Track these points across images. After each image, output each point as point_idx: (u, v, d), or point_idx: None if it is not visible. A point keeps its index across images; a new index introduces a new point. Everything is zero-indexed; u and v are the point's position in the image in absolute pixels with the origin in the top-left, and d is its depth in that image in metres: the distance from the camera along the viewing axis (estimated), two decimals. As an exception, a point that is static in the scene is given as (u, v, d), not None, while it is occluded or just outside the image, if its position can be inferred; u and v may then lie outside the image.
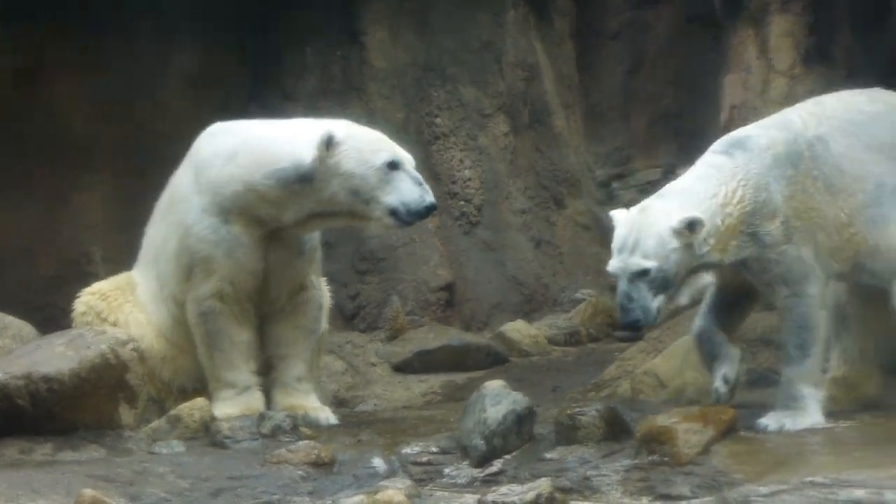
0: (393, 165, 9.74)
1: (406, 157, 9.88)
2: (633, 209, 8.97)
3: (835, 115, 9.37)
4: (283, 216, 9.91)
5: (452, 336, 14.22)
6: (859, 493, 7.43)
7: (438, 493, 8.19)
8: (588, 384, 11.78)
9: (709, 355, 9.47)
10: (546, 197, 16.28)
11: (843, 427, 9.17)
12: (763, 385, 11.19)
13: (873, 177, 9.25)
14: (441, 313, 14.85)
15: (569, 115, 16.97)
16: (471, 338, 14.32)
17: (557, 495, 7.36)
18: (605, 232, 16.60)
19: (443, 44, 15.77)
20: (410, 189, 9.72)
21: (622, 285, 8.79)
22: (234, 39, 15.58)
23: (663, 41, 25.64)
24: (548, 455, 8.72)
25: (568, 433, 8.85)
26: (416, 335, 14.27)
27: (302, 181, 9.77)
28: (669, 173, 24.61)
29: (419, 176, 9.90)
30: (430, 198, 9.76)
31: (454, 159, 15.63)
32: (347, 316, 14.66)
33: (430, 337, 14.14)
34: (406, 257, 14.96)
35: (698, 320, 9.52)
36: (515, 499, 7.37)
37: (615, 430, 8.85)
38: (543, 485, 7.40)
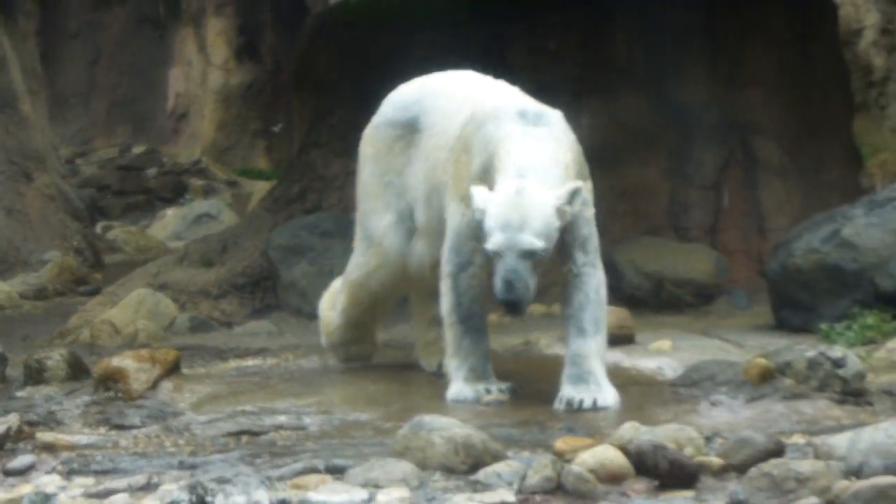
0: None
1: None
2: (504, 189, 7.35)
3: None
4: None
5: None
6: (282, 418, 7.48)
7: None
8: (54, 332, 11.49)
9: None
10: (16, 171, 15.76)
11: (269, 365, 9.28)
12: (203, 330, 11.26)
13: None
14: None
15: (35, 102, 16.47)
16: (-59, 295, 13.73)
17: (25, 428, 7.11)
18: (69, 202, 16.27)
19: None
20: None
21: (509, 262, 7.21)
22: None
23: (118, 38, 25.52)
24: (18, 394, 8.45)
25: (35, 375, 8.61)
26: None
27: None
28: (126, 151, 24.43)
29: None
30: None
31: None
32: None
33: None
34: None
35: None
36: (-16, 433, 7.08)
37: (76, 371, 8.67)
38: (13, 419, 7.14)
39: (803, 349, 7.56)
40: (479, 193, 7.39)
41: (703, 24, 12.08)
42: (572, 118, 7.82)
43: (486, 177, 7.55)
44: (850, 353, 7.55)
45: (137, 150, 24.50)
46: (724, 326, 10.12)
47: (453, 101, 8.17)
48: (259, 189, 20.62)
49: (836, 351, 7.50)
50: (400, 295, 8.94)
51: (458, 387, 7.77)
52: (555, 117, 7.71)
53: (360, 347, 8.98)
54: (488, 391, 7.75)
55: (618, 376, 7.92)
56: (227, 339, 10.74)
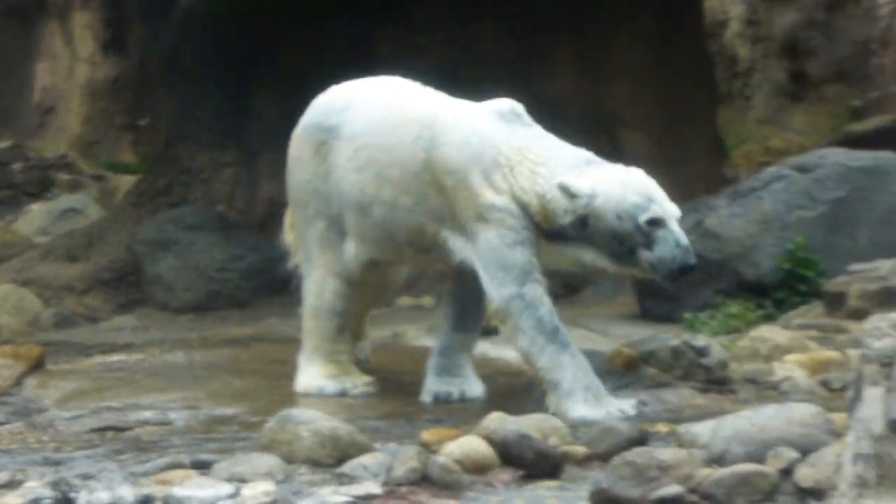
0: None
1: None
2: (609, 172, 7.20)
3: None
4: None
5: None
6: (147, 414, 7.44)
7: None
8: None
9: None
10: None
11: (134, 360, 9.19)
12: (67, 325, 11.10)
13: None
14: None
15: None
16: None
17: None
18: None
19: None
20: None
21: (675, 227, 7.08)
22: None
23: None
24: None
25: None
26: None
27: None
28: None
29: None
30: None
31: None
32: None
33: None
34: None
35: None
36: None
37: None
38: None
39: (667, 338, 7.64)
40: (577, 182, 7.05)
41: (570, 17, 12.17)
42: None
43: (505, 178, 7.23)
44: (714, 342, 7.65)
45: (2, 144, 24.11)
46: (590, 316, 10.20)
47: (391, 114, 7.74)
48: (126, 183, 20.36)
49: (700, 340, 7.60)
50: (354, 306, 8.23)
51: (579, 410, 6.97)
52: (519, 108, 7.50)
53: (352, 380, 8.01)
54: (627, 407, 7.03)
55: (484, 367, 7.95)
56: (92, 335, 10.63)
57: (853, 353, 7.15)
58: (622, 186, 7.06)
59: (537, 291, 7.15)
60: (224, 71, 12.26)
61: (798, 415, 5.47)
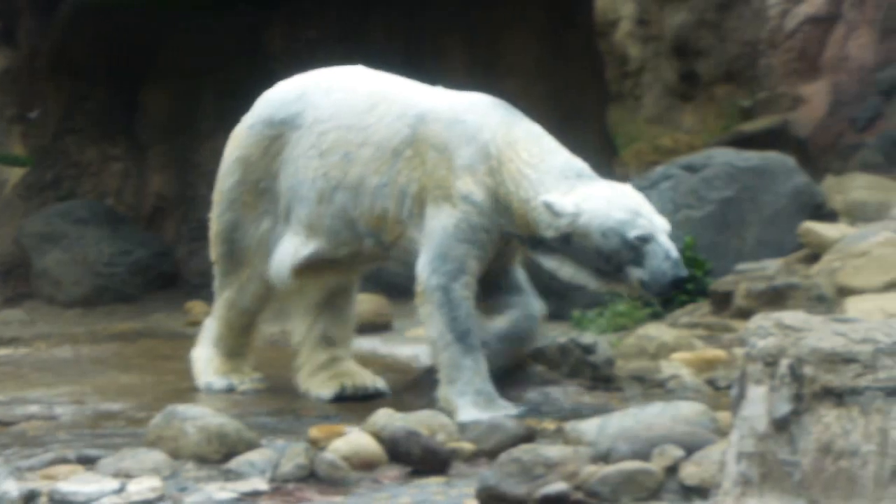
0: None
1: None
2: (598, 189, 7.01)
3: None
4: None
5: None
6: (33, 408, 7.37)
7: None
8: None
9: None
10: None
11: (21, 354, 9.10)
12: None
13: None
14: None
15: None
16: None
17: None
18: None
19: None
20: None
21: (666, 240, 6.84)
22: None
23: None
24: None
25: None
26: None
27: None
28: None
29: None
30: None
31: None
32: None
33: None
34: None
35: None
36: None
37: None
38: None
39: (554, 336, 7.66)
40: (561, 200, 6.86)
41: (461, 13, 12.18)
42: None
43: (491, 173, 7.03)
44: (601, 340, 7.67)
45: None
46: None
47: (364, 95, 7.52)
48: (15, 175, 20.10)
49: (587, 338, 7.61)
50: (268, 309, 8.10)
51: (468, 412, 6.81)
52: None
53: (241, 376, 7.95)
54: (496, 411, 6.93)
55: (374, 363, 7.96)
56: (-22, 329, 10.46)
57: (739, 351, 7.22)
58: (607, 203, 6.86)
59: (464, 292, 7.02)
60: (113, 64, 12.14)
61: (684, 413, 5.54)
